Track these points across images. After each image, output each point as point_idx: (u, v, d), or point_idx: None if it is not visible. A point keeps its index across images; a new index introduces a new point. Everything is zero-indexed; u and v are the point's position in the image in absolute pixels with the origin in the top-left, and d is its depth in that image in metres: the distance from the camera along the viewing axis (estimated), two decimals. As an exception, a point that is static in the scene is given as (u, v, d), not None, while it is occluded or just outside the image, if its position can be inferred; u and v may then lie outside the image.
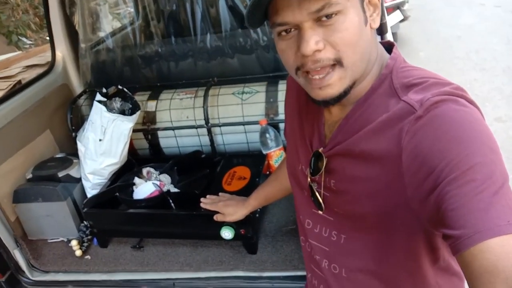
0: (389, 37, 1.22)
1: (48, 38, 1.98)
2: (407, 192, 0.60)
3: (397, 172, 0.61)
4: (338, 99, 0.65)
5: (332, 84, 0.63)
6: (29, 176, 1.57)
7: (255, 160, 1.58)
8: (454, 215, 0.52)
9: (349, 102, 0.70)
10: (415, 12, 6.20)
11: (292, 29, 0.62)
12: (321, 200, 0.76)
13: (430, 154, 0.57)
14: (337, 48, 0.61)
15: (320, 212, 0.78)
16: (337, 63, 0.62)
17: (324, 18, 0.59)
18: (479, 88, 3.82)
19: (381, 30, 1.24)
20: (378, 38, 1.24)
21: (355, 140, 0.67)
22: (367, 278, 0.77)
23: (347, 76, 0.63)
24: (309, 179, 0.78)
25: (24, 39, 4.97)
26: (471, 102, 0.61)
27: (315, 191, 0.76)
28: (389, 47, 0.74)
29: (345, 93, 0.65)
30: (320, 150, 0.74)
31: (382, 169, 0.63)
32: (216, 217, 1.26)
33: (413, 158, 0.59)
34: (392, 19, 4.67)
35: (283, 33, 0.64)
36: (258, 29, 1.74)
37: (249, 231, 1.29)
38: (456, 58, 4.67)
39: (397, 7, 4.83)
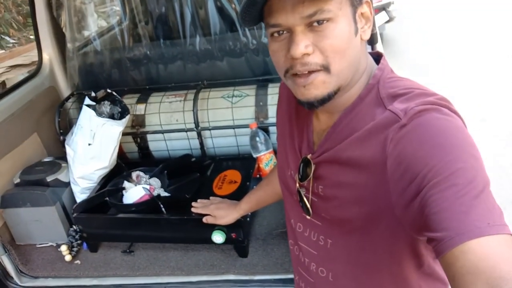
0: (379, 47, 1.24)
1: (32, 37, 1.95)
2: (391, 198, 0.62)
3: (382, 179, 0.62)
4: (322, 102, 0.66)
5: (316, 84, 0.64)
6: (17, 180, 1.55)
7: (245, 164, 1.59)
8: (437, 218, 0.53)
9: (337, 110, 0.72)
10: (400, 13, 6.28)
11: (285, 32, 0.64)
12: (308, 205, 0.77)
13: (413, 160, 0.58)
14: (325, 54, 0.62)
15: (308, 217, 0.79)
16: (324, 69, 0.63)
17: (315, 24, 0.61)
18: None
19: (371, 41, 1.26)
20: (369, 48, 1.26)
21: (342, 147, 0.69)
22: (351, 284, 0.79)
23: (332, 81, 0.64)
24: (297, 185, 0.79)
25: (7, 38, 4.88)
26: (454, 112, 0.63)
27: (303, 196, 0.78)
28: (377, 57, 0.75)
29: (329, 97, 0.66)
30: (309, 156, 0.75)
31: (368, 175, 0.65)
32: (206, 219, 1.26)
33: (397, 165, 0.60)
34: (378, 20, 4.72)
35: (276, 35, 0.65)
36: (248, 33, 1.74)
37: (240, 235, 1.29)
38: (440, 58, 4.74)
39: (383, 8, 4.90)
